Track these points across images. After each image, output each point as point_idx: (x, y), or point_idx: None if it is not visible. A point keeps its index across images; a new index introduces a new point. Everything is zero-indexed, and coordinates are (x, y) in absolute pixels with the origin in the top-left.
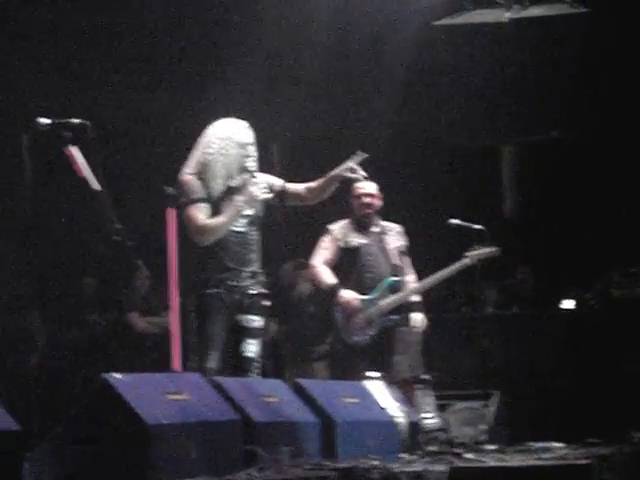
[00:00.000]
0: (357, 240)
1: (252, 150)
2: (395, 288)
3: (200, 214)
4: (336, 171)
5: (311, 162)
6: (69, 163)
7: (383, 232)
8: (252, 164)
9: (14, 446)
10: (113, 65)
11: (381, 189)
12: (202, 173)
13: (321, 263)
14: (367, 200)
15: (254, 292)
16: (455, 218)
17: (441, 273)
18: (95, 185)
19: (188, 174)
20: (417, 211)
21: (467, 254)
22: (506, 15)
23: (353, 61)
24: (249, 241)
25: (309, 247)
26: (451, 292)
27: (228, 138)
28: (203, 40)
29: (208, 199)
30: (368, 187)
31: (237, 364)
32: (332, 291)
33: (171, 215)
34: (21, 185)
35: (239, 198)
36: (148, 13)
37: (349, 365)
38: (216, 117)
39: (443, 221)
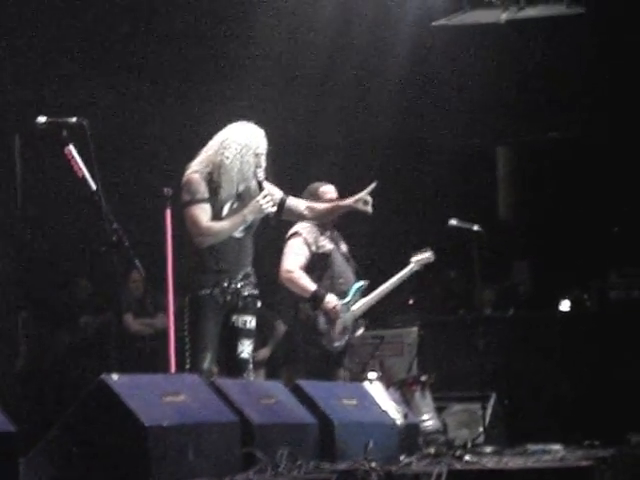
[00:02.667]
0: (328, 245)
1: (264, 160)
2: (364, 292)
3: (204, 215)
4: (348, 201)
5: (305, 166)
6: (64, 162)
7: (337, 235)
8: (262, 174)
9: (10, 448)
10: (109, 64)
11: (379, 191)
12: (213, 174)
13: (298, 268)
14: None
15: (246, 294)
16: (453, 218)
17: (392, 280)
18: (92, 185)
19: (196, 173)
20: (413, 212)
21: (412, 260)
22: (502, 16)
23: (349, 64)
24: (245, 245)
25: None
26: (448, 294)
27: (246, 145)
28: (202, 38)
29: (213, 201)
30: (334, 191)
31: (233, 365)
32: (316, 297)
33: (169, 216)
34: (12, 186)
35: (247, 209)
36: (147, 13)
37: (326, 371)
38: (214, 118)
39: (440, 221)
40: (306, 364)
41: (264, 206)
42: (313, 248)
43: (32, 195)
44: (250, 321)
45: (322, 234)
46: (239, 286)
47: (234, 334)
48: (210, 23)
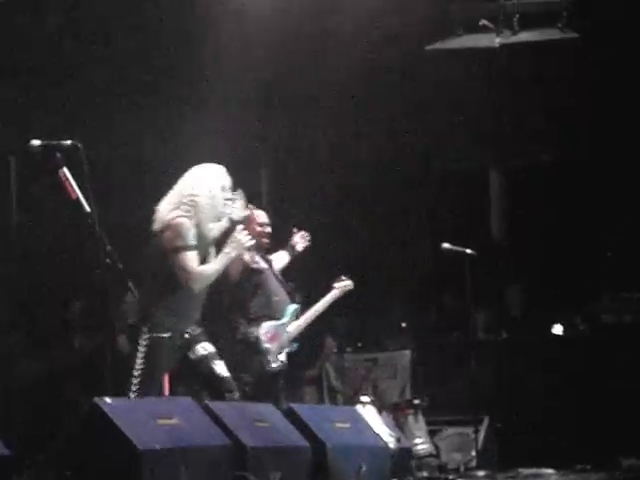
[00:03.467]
0: (262, 263)
1: (230, 195)
2: (298, 314)
3: (194, 261)
4: None
5: (299, 187)
6: (59, 185)
7: (269, 259)
8: (231, 210)
9: (4, 470)
10: (102, 87)
11: (371, 214)
12: (193, 217)
13: None
14: (268, 229)
15: (196, 333)
16: (446, 242)
17: (318, 305)
18: (85, 207)
19: (183, 217)
20: (406, 236)
21: (335, 285)
22: (496, 40)
23: (340, 86)
24: (205, 288)
25: None
26: (441, 317)
27: (212, 182)
28: (191, 65)
29: (200, 245)
30: (265, 217)
31: (219, 388)
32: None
33: None
34: (8, 208)
35: (229, 247)
36: (135, 38)
37: (266, 394)
38: (205, 143)
39: (433, 245)
40: (242, 385)
41: (243, 240)
42: (250, 263)
43: (27, 217)
44: (207, 345)
45: (257, 254)
46: (191, 330)
47: (203, 361)
48: (193, 49)
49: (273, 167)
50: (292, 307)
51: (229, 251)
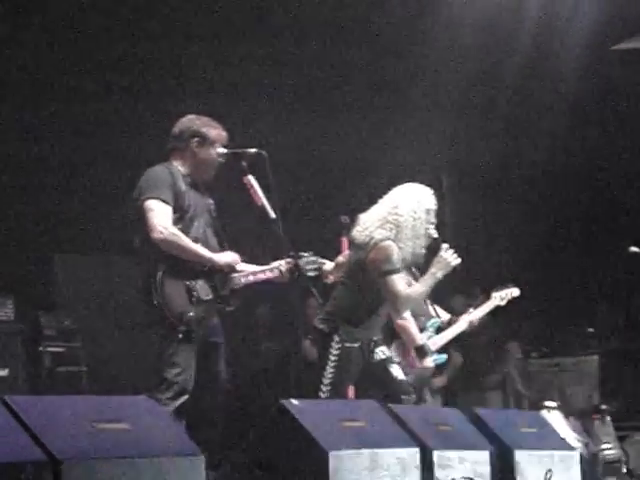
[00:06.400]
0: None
1: (434, 217)
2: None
3: (402, 284)
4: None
5: (478, 192)
6: (245, 192)
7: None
8: (434, 231)
9: (197, 469)
10: (287, 93)
11: (560, 218)
12: (394, 236)
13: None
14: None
15: (377, 338)
16: (634, 246)
17: (476, 313)
18: (270, 213)
19: (389, 239)
20: (593, 240)
21: (494, 294)
22: None
23: (523, 90)
24: None
25: None
26: (629, 322)
27: (417, 203)
28: (376, 70)
29: (403, 266)
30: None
31: (396, 391)
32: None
33: (345, 243)
34: None
35: (435, 267)
36: (321, 45)
37: None
38: (388, 149)
39: (621, 249)
40: None
41: (449, 259)
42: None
43: None
44: (385, 349)
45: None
46: (375, 336)
47: (381, 365)
48: (379, 56)
49: (453, 172)
50: (434, 322)
51: (435, 272)
